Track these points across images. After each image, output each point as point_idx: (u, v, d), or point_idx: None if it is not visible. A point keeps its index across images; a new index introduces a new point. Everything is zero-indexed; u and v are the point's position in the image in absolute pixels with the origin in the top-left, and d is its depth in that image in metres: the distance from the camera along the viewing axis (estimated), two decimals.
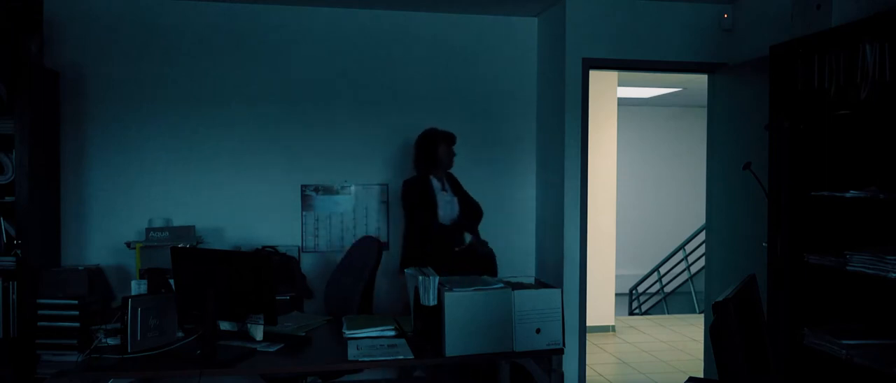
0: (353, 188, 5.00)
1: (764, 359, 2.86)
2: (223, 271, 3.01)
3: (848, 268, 2.84)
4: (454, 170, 4.55)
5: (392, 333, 3.20)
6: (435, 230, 4.27)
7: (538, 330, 3.03)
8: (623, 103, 8.79)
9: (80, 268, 4.27)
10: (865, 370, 2.75)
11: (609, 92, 6.78)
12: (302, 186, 4.93)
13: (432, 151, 4.38)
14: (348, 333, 3.19)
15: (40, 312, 4.07)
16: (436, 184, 4.38)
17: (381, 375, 4.79)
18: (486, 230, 5.16)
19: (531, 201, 5.23)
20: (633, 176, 10.55)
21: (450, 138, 4.43)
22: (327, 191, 4.97)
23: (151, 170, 4.73)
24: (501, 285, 3.10)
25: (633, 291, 9.54)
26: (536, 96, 5.19)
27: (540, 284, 3.31)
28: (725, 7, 4.70)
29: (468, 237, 4.35)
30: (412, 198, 4.39)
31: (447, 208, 4.37)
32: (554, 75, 4.82)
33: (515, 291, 3.05)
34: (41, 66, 4.39)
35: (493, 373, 4.11)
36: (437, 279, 3.06)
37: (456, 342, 2.95)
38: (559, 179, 4.71)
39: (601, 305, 6.66)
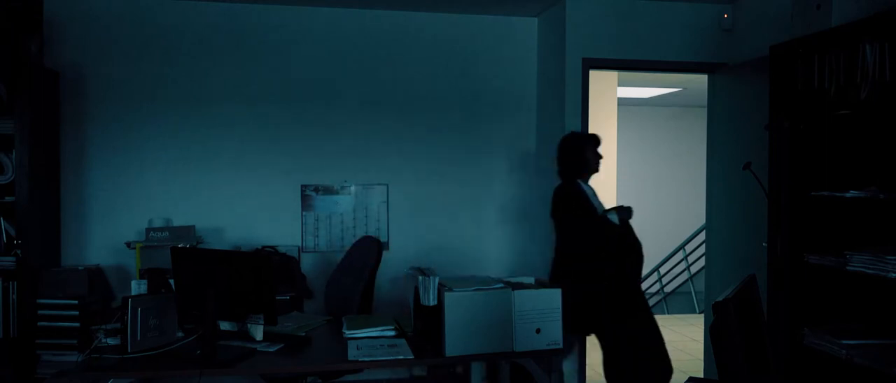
0: (353, 188, 5.00)
1: (764, 359, 2.86)
2: (223, 271, 3.01)
3: (848, 268, 2.84)
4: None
5: (392, 333, 3.20)
6: (609, 230, 3.91)
7: (538, 330, 3.03)
8: (623, 103, 8.79)
9: (80, 268, 4.27)
10: (865, 370, 2.74)
11: (609, 92, 6.77)
12: (302, 186, 4.93)
13: (580, 155, 4.03)
14: (348, 333, 3.19)
15: (40, 312, 4.07)
16: (587, 189, 4.06)
17: (381, 375, 4.79)
18: (486, 230, 5.17)
19: (531, 201, 5.22)
20: (633, 176, 10.55)
21: (596, 140, 4.10)
22: (327, 191, 4.97)
23: (151, 170, 4.73)
24: (501, 285, 3.10)
25: None
26: (536, 96, 5.19)
27: (540, 284, 3.31)
28: (725, 7, 4.70)
29: (614, 216, 3.98)
30: (571, 205, 3.98)
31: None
32: (554, 75, 4.82)
33: (515, 291, 3.05)
34: (41, 66, 4.39)
35: (492, 373, 4.11)
36: (437, 279, 3.06)
37: (456, 342, 2.95)
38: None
39: None
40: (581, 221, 3.92)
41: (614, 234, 3.90)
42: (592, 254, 3.87)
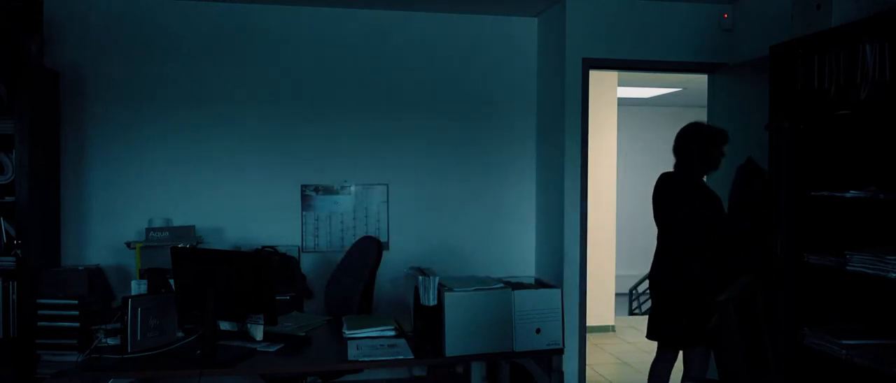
0: (353, 188, 5.00)
1: (764, 359, 2.86)
2: (223, 271, 3.01)
3: (848, 268, 2.84)
4: None
5: (392, 333, 3.20)
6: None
7: (538, 330, 3.03)
8: (623, 103, 8.79)
9: (80, 268, 4.27)
10: (865, 370, 2.74)
11: (609, 92, 6.78)
12: (302, 186, 4.93)
13: (705, 150, 3.76)
14: (348, 333, 3.19)
15: (40, 312, 4.07)
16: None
17: (381, 375, 4.79)
18: (486, 230, 5.18)
19: (531, 201, 5.23)
20: (634, 176, 10.56)
21: (725, 137, 3.80)
22: (327, 191, 4.97)
23: (151, 170, 4.73)
24: (501, 285, 3.10)
25: (633, 291, 9.53)
26: (536, 96, 5.19)
27: (540, 284, 3.31)
28: (725, 7, 4.70)
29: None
30: (700, 201, 3.72)
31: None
32: (554, 75, 4.82)
33: (515, 291, 3.06)
34: (41, 66, 4.39)
35: (492, 373, 4.11)
36: (437, 279, 3.06)
37: (456, 342, 2.95)
38: (559, 179, 4.71)
39: (601, 305, 6.66)
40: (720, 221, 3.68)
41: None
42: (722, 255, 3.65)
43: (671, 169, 3.91)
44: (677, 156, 3.83)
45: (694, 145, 3.77)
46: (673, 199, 3.79)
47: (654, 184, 3.95)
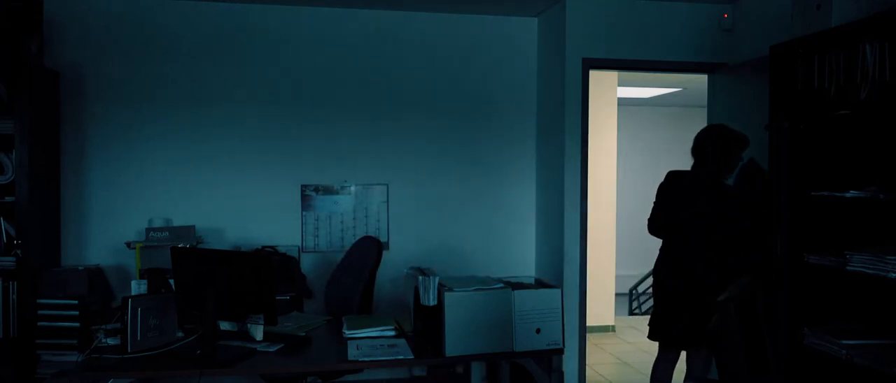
0: (353, 188, 5.00)
1: (764, 359, 2.86)
2: (223, 271, 3.01)
3: (848, 268, 2.84)
4: None
5: (392, 333, 3.21)
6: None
7: (538, 330, 3.03)
8: (623, 103, 8.79)
9: (80, 268, 4.27)
10: (865, 370, 2.74)
11: (609, 92, 6.78)
12: (302, 186, 4.93)
13: (729, 154, 3.71)
14: (348, 333, 3.19)
15: (40, 312, 4.07)
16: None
17: (381, 375, 4.79)
18: (486, 230, 5.18)
19: (531, 201, 5.23)
20: (634, 176, 10.56)
21: (746, 143, 3.75)
22: (327, 191, 4.97)
23: (151, 170, 4.73)
24: (501, 285, 3.10)
25: (633, 291, 9.53)
26: (536, 96, 5.19)
27: (540, 284, 3.31)
28: (725, 7, 4.70)
29: None
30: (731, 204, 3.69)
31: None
32: (554, 75, 4.82)
33: (515, 291, 3.06)
34: (41, 66, 4.39)
35: (492, 373, 4.11)
36: (437, 279, 3.06)
37: (456, 342, 2.95)
38: (559, 179, 4.71)
39: (601, 305, 6.66)
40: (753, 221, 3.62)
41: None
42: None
43: (671, 168, 3.90)
44: (694, 157, 3.80)
45: (711, 148, 3.72)
46: (681, 199, 3.77)
47: (654, 184, 3.94)
